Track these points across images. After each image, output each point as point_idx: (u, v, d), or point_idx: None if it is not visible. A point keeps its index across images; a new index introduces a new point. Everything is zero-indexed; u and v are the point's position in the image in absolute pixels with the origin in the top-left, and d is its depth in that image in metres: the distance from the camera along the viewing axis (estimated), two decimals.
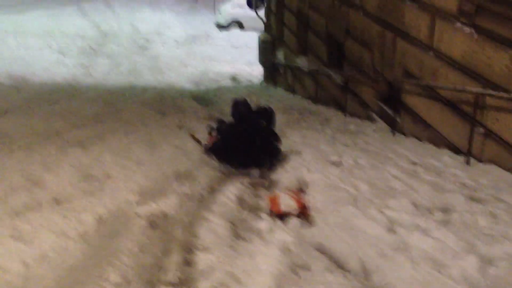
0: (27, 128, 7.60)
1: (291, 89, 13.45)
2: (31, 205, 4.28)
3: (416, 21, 6.70)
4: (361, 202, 4.29)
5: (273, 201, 4.54)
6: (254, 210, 4.52)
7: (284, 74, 14.30)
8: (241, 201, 4.71)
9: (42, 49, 18.62)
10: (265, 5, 15.73)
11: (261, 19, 16.18)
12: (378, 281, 2.99)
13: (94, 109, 9.61)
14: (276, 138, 6.08)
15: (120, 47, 20.09)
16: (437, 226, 3.62)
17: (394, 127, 7.45)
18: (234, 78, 17.24)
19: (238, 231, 3.89)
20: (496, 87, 5.23)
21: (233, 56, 19.87)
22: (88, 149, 6.38)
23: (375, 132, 7.55)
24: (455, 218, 3.82)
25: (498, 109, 5.24)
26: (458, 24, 5.87)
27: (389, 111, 7.73)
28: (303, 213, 4.36)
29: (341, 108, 9.67)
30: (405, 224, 3.70)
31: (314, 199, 4.56)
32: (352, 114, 9.13)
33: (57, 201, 4.40)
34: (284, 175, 5.43)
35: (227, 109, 10.97)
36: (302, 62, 12.16)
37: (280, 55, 14.41)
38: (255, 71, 17.79)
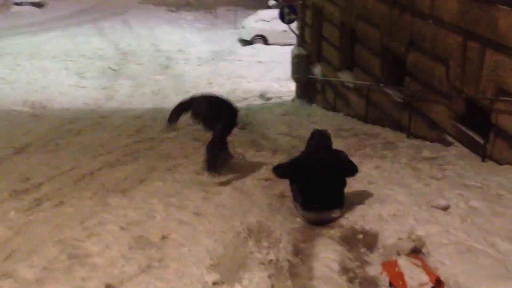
0: (52, 168, 6.52)
1: (331, 107, 12.35)
2: None
3: None
4: None
5: (392, 271, 3.43)
6: (369, 285, 3.41)
7: (322, 90, 13.22)
8: (346, 271, 3.61)
9: (59, 72, 17.64)
10: (298, 17, 14.66)
11: (294, 32, 15.14)
12: None
13: (125, 140, 8.58)
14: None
15: (141, 66, 19.16)
16: None
17: (479, 152, 6.33)
18: (263, 96, 16.21)
19: None
20: None
21: (260, 72, 18.85)
22: (131, 197, 5.28)
23: (459, 159, 6.38)
24: None
25: None
26: None
27: (473, 134, 6.59)
28: None
29: (401, 129, 8.54)
30: None
31: (444, 267, 3.44)
32: (417, 137, 8.00)
33: None
34: (384, 226, 4.30)
35: (266, 132, 10.04)
36: (346, 77, 11.08)
37: (317, 71, 13.34)
38: (284, 88, 16.77)
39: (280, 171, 5.19)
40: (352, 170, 5.03)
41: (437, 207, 4.52)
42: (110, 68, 18.56)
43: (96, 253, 3.82)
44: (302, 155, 5.25)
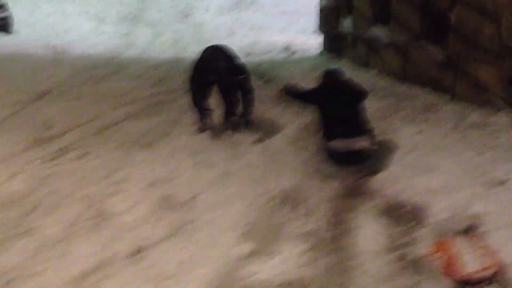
0: (75, 117, 6.23)
1: (363, 63, 11.75)
2: (104, 262, 2.86)
3: None
4: None
5: (446, 254, 3.06)
6: (421, 269, 3.04)
7: (353, 45, 12.58)
8: (393, 248, 3.25)
9: (79, 16, 17.20)
10: None
11: None
12: None
13: (147, 90, 8.21)
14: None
15: (161, 13, 18.53)
16: None
17: None
18: (287, 49, 15.59)
19: None
20: None
21: (284, 23, 18.11)
22: (157, 152, 4.97)
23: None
24: None
25: None
26: None
27: None
28: (497, 277, 2.86)
29: (443, 90, 7.97)
30: None
31: (502, 251, 3.04)
32: (461, 99, 7.46)
33: (138, 253, 2.98)
34: (434, 200, 3.88)
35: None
36: (380, 32, 10.45)
37: (348, 23, 12.66)
38: (310, 41, 16.07)
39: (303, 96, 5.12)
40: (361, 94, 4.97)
41: (493, 180, 4.10)
42: (129, 13, 17.99)
43: (123, 212, 3.55)
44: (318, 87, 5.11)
